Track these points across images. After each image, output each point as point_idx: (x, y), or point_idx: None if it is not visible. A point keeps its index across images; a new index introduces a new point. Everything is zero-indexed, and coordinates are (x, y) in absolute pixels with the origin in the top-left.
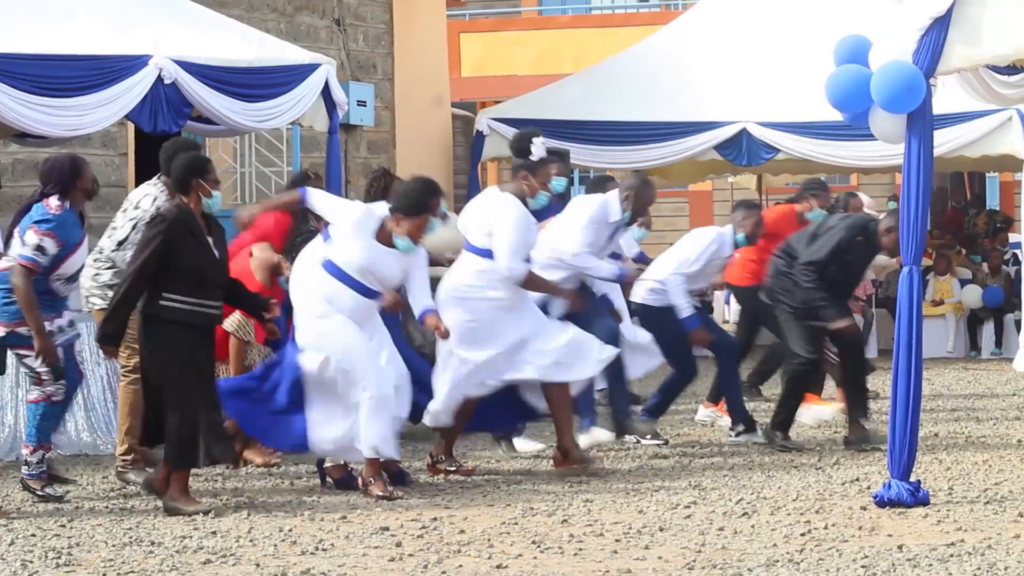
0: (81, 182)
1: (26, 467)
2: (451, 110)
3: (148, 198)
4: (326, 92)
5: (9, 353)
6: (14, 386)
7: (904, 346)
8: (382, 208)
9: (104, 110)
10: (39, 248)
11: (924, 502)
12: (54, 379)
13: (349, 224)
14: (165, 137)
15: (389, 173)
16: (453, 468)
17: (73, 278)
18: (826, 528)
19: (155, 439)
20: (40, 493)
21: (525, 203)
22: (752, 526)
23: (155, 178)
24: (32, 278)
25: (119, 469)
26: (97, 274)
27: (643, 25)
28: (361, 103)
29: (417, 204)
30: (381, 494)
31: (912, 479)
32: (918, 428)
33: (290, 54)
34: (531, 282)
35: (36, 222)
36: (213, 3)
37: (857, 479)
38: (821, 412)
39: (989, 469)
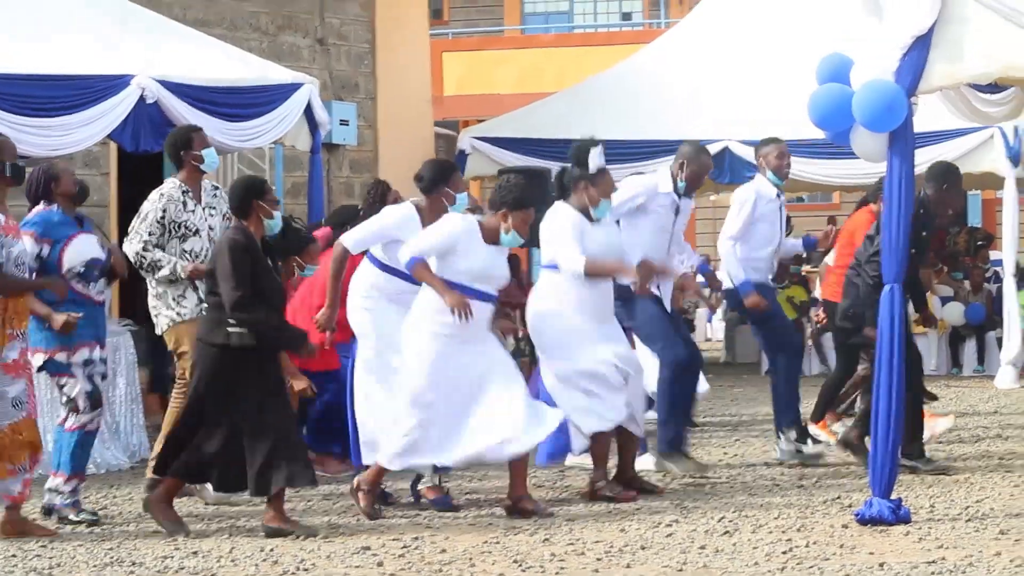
0: (58, 186)
1: (59, 496)
2: (434, 129)
3: (156, 192)
4: (308, 111)
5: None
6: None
7: (886, 363)
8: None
9: (86, 130)
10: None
11: (905, 520)
12: (91, 408)
13: (454, 236)
14: (148, 156)
15: (383, 182)
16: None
17: (91, 276)
18: (807, 546)
19: (166, 469)
20: (76, 519)
21: (588, 215)
22: (734, 544)
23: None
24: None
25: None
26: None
27: (625, 44)
28: (344, 122)
29: (524, 198)
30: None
31: (893, 497)
32: (900, 446)
33: (273, 73)
34: (597, 269)
35: (23, 226)
36: (195, 23)
37: (839, 497)
38: (938, 425)
39: (971, 487)
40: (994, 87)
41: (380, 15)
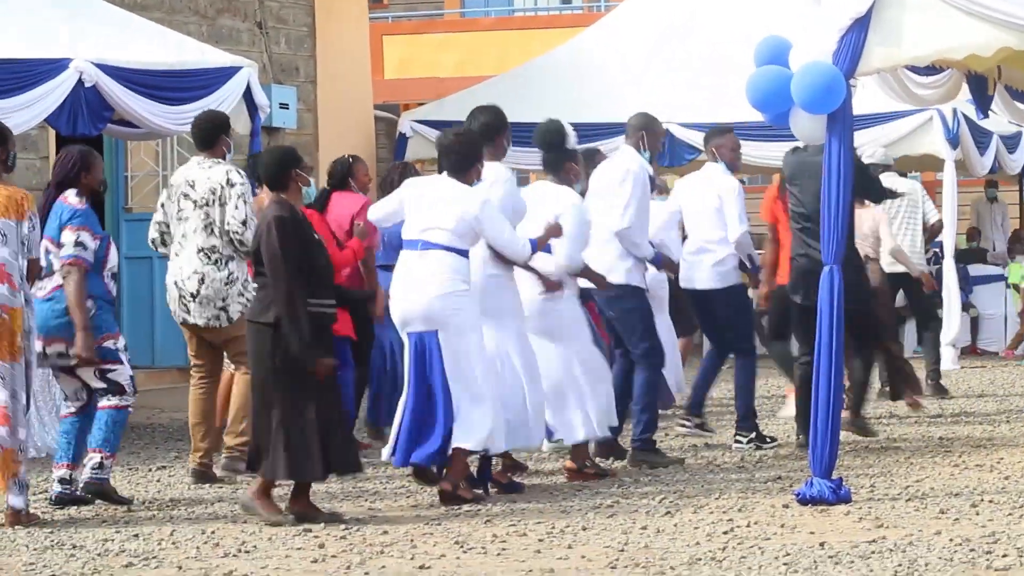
0: (88, 177)
1: (99, 470)
2: (374, 112)
3: (233, 173)
4: (248, 95)
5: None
6: None
7: (825, 345)
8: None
9: (24, 114)
10: (80, 244)
11: (846, 499)
12: (134, 392)
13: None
14: (87, 140)
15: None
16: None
17: (115, 275)
18: (748, 526)
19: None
20: (118, 498)
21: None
22: (675, 525)
23: (193, 161)
24: (85, 275)
25: (229, 457)
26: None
27: (566, 27)
28: (283, 106)
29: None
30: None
31: (834, 477)
32: (839, 426)
33: (211, 57)
34: (587, 273)
35: (66, 222)
36: (134, 6)
37: (779, 477)
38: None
39: (910, 467)
40: (931, 69)
41: None
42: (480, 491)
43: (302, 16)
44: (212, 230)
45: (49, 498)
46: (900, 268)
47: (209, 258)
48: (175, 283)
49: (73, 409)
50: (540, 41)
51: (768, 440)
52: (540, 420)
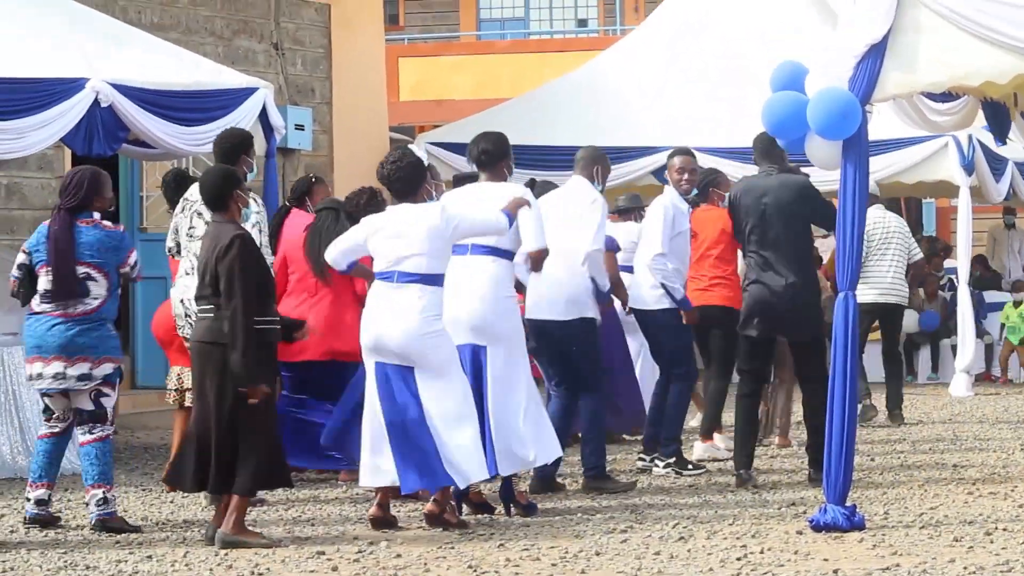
0: (99, 200)
1: (104, 505)
2: (389, 134)
3: (250, 201)
4: (263, 116)
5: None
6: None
7: (840, 371)
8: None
9: (40, 133)
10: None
11: (860, 526)
12: (113, 420)
13: None
14: (102, 160)
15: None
16: None
17: None
18: (762, 552)
19: (182, 481)
20: (130, 527)
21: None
22: (688, 550)
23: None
24: None
25: None
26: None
27: (581, 51)
28: (299, 127)
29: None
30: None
31: (848, 503)
32: (853, 453)
33: (228, 78)
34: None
35: (129, 247)
36: (151, 26)
37: (793, 503)
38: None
39: (925, 494)
40: (947, 96)
41: (336, 20)
42: (500, 509)
43: (318, 37)
44: None
45: (24, 518)
46: (870, 298)
47: None
48: (181, 301)
49: (57, 430)
50: (555, 64)
51: (690, 466)
52: (535, 439)
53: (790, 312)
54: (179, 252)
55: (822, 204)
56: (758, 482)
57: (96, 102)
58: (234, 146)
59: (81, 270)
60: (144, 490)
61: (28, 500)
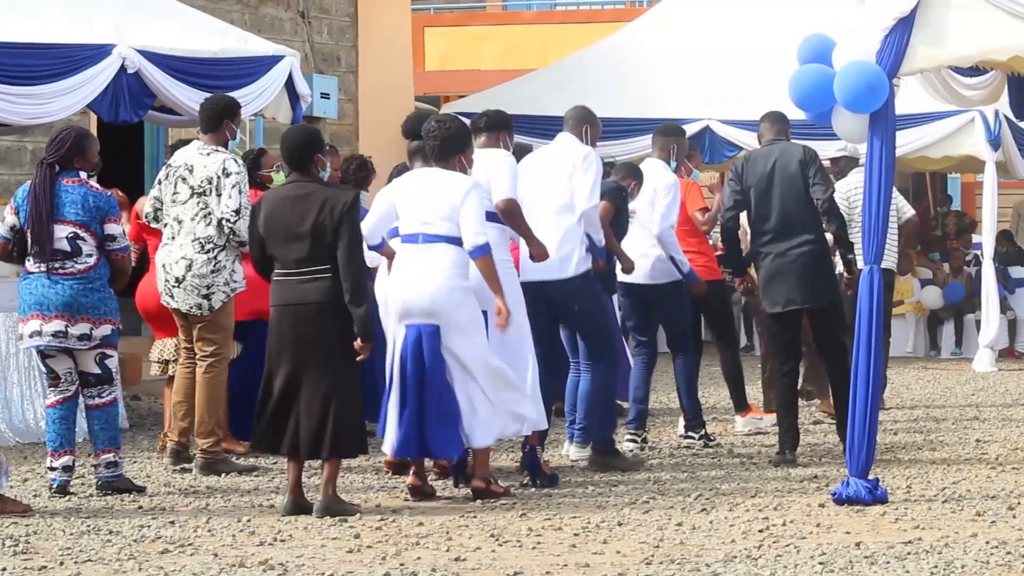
0: (81, 160)
1: (114, 468)
2: (415, 104)
3: (230, 162)
4: (289, 84)
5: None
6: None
7: (864, 345)
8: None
9: (66, 99)
10: (123, 235)
11: (882, 500)
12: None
13: None
14: (128, 126)
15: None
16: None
17: None
18: (784, 525)
19: (272, 444)
20: (135, 487)
21: None
22: (710, 522)
23: (194, 145)
24: None
25: (209, 460)
26: (217, 261)
27: (608, 22)
28: (324, 95)
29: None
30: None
31: (871, 477)
32: (877, 426)
33: (254, 45)
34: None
35: (108, 213)
36: None
37: (815, 476)
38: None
39: (947, 468)
40: (974, 70)
41: None
42: (526, 480)
43: (344, 6)
44: (209, 220)
45: (50, 487)
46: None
47: (203, 247)
48: (163, 266)
49: (62, 397)
50: (582, 35)
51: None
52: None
53: (803, 279)
54: (156, 219)
55: (818, 171)
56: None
57: (123, 68)
58: (219, 111)
59: (68, 229)
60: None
61: (54, 469)
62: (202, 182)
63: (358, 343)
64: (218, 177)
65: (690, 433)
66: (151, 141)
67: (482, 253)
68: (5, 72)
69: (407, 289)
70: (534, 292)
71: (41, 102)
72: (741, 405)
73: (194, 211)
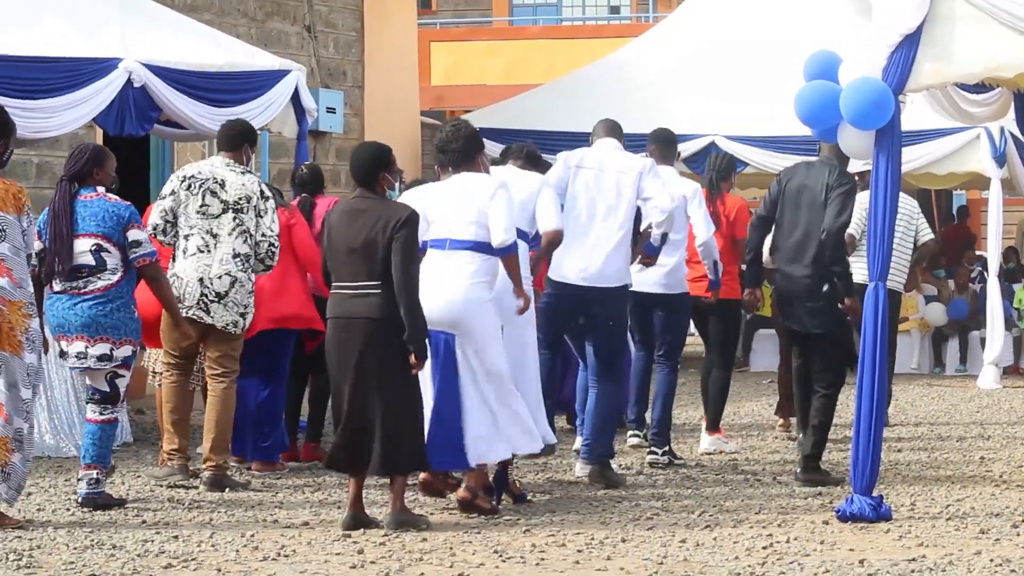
0: (100, 173)
1: (95, 485)
2: (420, 118)
3: (264, 186)
4: (295, 98)
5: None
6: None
7: (868, 361)
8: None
9: (72, 112)
10: (147, 240)
11: (886, 517)
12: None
13: None
14: (134, 140)
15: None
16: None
17: None
18: (788, 542)
19: (348, 463)
20: (115, 501)
21: None
22: (714, 539)
23: (217, 160)
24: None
25: (219, 476)
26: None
27: (613, 37)
28: (330, 110)
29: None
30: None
31: (875, 494)
32: (881, 443)
33: (260, 60)
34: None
35: (129, 220)
36: (184, 7)
37: (820, 493)
38: None
39: (952, 485)
40: (981, 87)
41: (369, 3)
42: (495, 499)
43: (351, 21)
44: (246, 238)
45: (77, 500)
46: (861, 280)
47: (245, 264)
48: (201, 280)
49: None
50: (587, 50)
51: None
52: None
53: (805, 304)
54: (164, 232)
55: (838, 198)
56: (783, 472)
57: (129, 82)
58: (242, 133)
59: (92, 242)
60: None
61: (80, 481)
62: (240, 200)
63: (412, 359)
64: (258, 198)
65: (654, 448)
66: (157, 155)
67: (511, 252)
68: (11, 85)
69: (428, 298)
70: (574, 292)
71: (47, 115)
72: (715, 424)
73: (231, 226)
